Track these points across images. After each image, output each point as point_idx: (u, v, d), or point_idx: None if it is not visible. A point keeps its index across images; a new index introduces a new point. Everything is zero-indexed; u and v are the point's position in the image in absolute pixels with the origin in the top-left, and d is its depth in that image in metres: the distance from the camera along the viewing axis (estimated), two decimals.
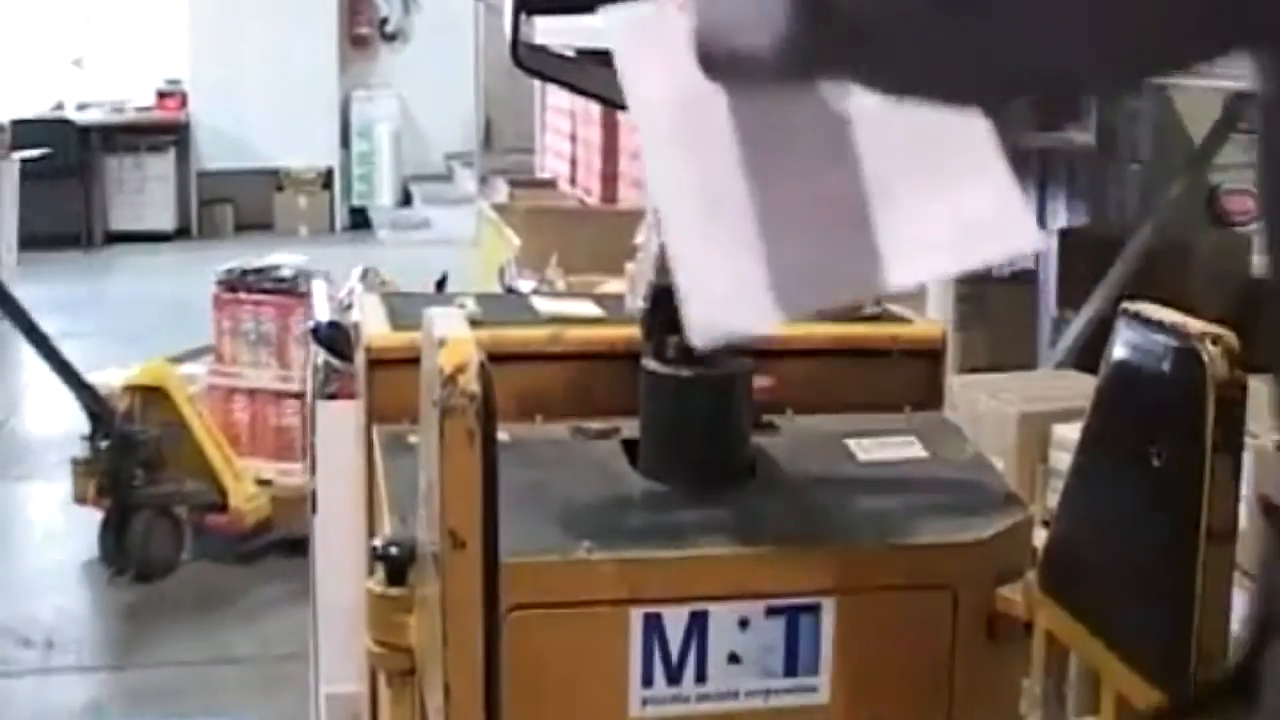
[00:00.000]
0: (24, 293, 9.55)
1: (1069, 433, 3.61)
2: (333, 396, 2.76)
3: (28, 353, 8.53)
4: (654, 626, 1.71)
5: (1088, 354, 4.44)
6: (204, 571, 5.10)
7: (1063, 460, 3.60)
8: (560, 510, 1.80)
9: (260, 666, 4.43)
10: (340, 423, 2.48)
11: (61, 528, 5.73)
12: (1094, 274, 4.64)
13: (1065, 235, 5.45)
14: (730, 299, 1.43)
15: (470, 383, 1.51)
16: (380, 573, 1.73)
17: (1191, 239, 4.80)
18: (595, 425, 1.95)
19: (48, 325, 9.06)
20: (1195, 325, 1.64)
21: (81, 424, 6.91)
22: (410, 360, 1.75)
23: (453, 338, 1.55)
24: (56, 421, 7.16)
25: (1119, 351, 1.81)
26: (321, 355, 2.88)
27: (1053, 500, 3.62)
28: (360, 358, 2.10)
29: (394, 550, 1.72)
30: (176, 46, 12.34)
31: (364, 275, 3.16)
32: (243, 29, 12.12)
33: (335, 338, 2.85)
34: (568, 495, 1.84)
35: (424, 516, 1.65)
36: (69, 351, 8.52)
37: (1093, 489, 1.85)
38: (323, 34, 12.51)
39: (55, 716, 4.12)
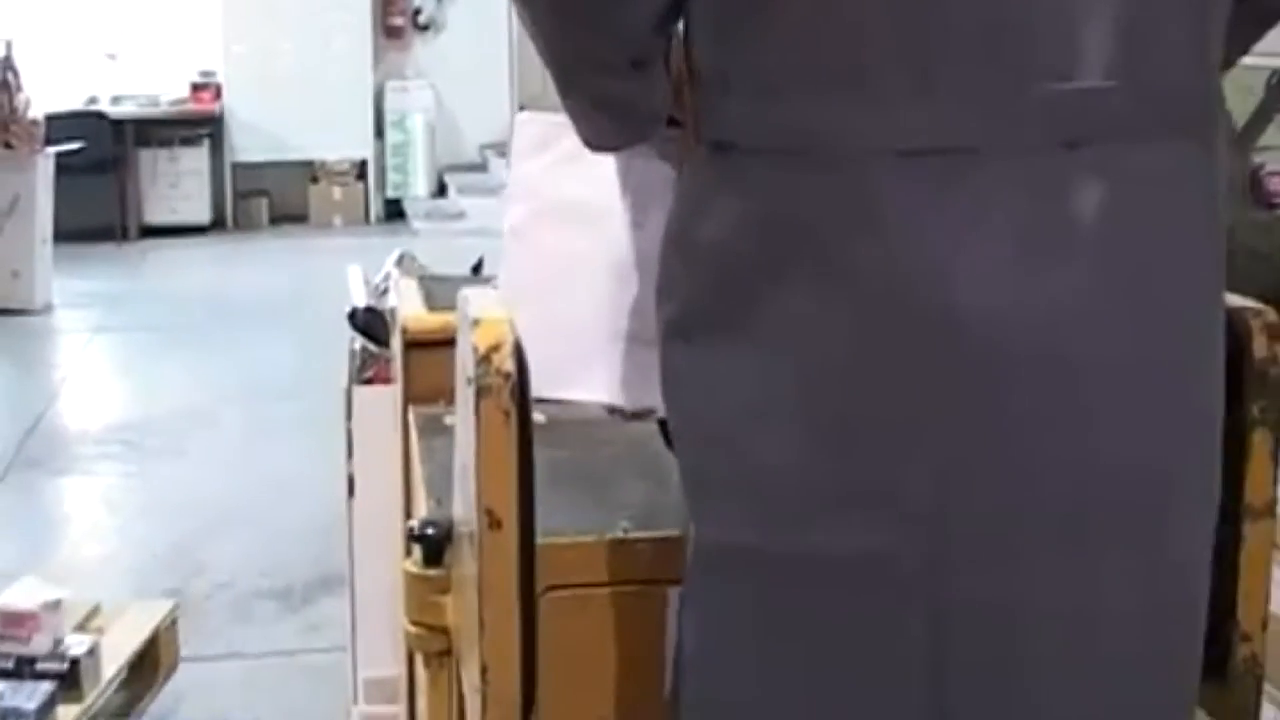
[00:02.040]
0: (59, 286, 9.63)
1: None
2: (369, 381, 2.82)
3: (65, 349, 8.59)
4: None
5: None
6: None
7: None
8: (596, 490, 1.82)
9: (301, 659, 4.41)
10: (376, 407, 2.56)
11: (100, 522, 5.73)
12: None
13: None
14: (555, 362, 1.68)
15: (505, 361, 1.52)
16: (417, 553, 1.75)
17: (1233, 220, 4.73)
18: (631, 406, 1.91)
19: (82, 319, 9.15)
20: (1235, 301, 1.63)
21: (117, 418, 6.96)
22: (446, 342, 1.76)
23: (487, 317, 1.55)
24: (93, 416, 7.17)
25: None
26: (359, 341, 2.92)
27: None
28: (396, 340, 2.13)
29: (430, 531, 1.73)
30: (210, 39, 12.33)
31: (400, 260, 3.10)
32: (276, 21, 12.11)
33: (371, 323, 2.88)
34: (604, 475, 1.85)
35: (460, 497, 1.65)
36: (103, 344, 8.58)
37: None
38: (356, 25, 12.47)
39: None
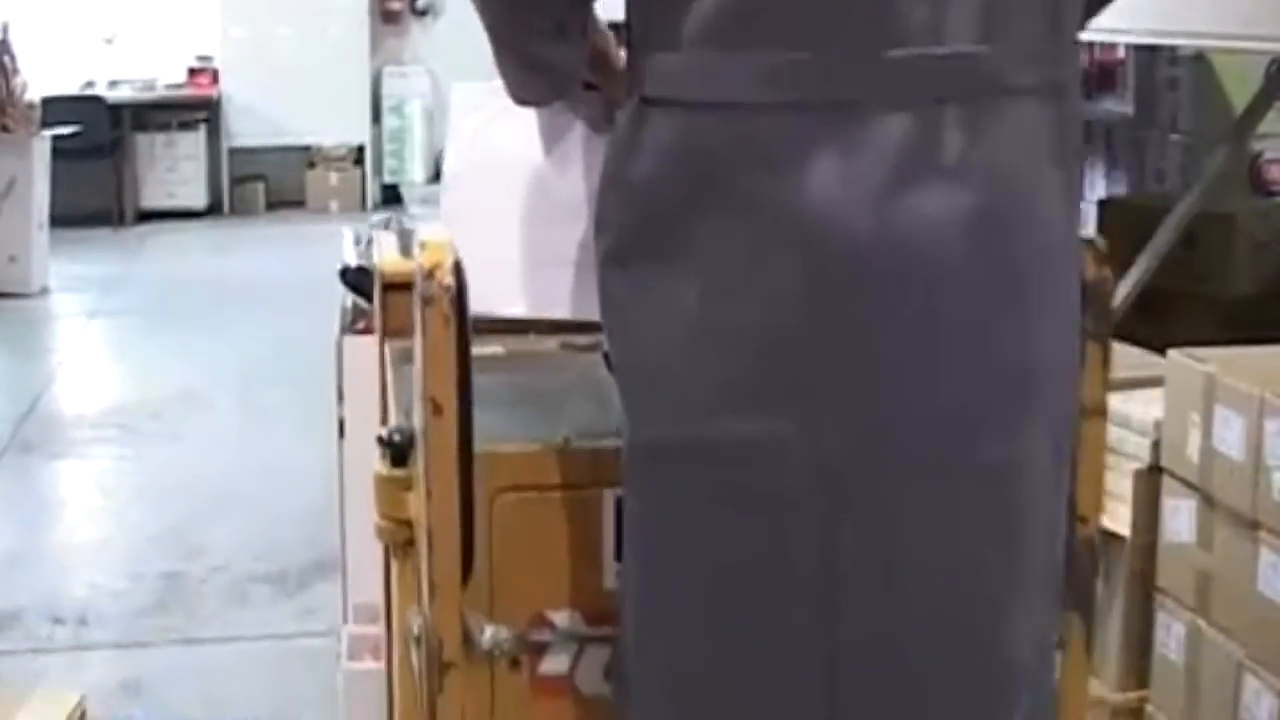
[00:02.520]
0: (55, 270, 9.63)
1: (1112, 402, 3.55)
2: (359, 332, 3.09)
3: (61, 333, 8.59)
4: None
5: (1128, 323, 4.38)
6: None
7: (1110, 432, 3.55)
8: (545, 408, 2.10)
9: (301, 641, 4.41)
10: (365, 355, 2.71)
11: (95, 505, 5.73)
12: (1133, 244, 4.58)
13: (1104, 205, 5.38)
14: (489, 284, 1.96)
15: (445, 276, 1.81)
16: (386, 457, 2.03)
17: (1232, 208, 4.73)
18: (582, 340, 2.24)
19: (78, 303, 9.14)
20: None
21: (113, 401, 6.96)
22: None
23: (431, 242, 1.87)
24: (89, 400, 7.16)
25: None
26: (350, 297, 3.23)
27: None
28: (375, 282, 2.43)
29: (396, 437, 2.01)
30: (207, 23, 12.31)
31: (386, 223, 3.35)
32: (274, 5, 12.11)
33: (360, 280, 3.14)
34: (553, 397, 2.13)
35: (417, 403, 1.90)
36: (100, 328, 8.58)
37: None
38: (354, 10, 12.47)
39: (88, 694, 4.08)
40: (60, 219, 10.14)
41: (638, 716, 1.79)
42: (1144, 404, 3.45)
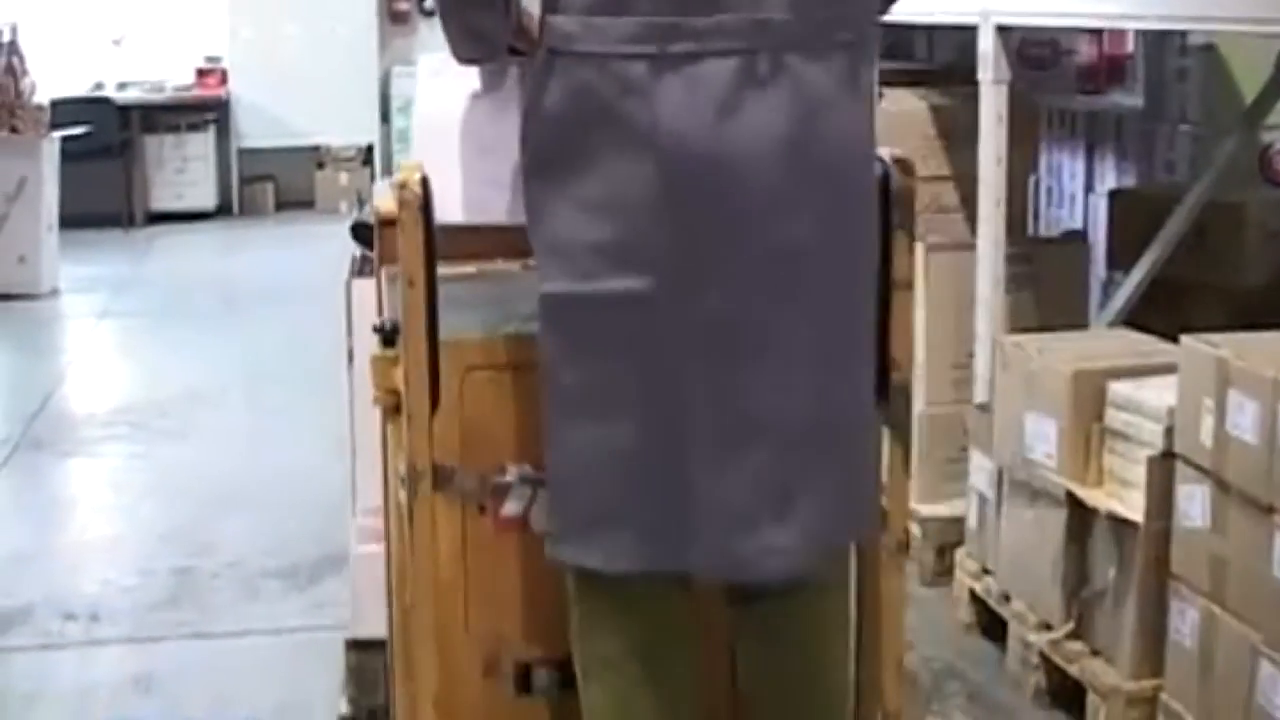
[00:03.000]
0: (65, 272, 9.63)
1: (1125, 389, 3.55)
2: (365, 277, 3.53)
3: (71, 333, 8.59)
4: None
5: (1139, 314, 4.38)
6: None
7: (1118, 419, 3.54)
8: (504, 308, 2.69)
9: (312, 634, 4.41)
10: (370, 295, 3.21)
11: (106, 502, 5.72)
12: (1144, 235, 4.57)
13: (1114, 196, 5.37)
14: (449, 200, 2.64)
15: (415, 185, 2.49)
16: (379, 342, 2.65)
17: (1243, 198, 4.72)
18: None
19: (88, 303, 9.14)
20: (885, 151, 2.57)
21: (123, 400, 6.95)
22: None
23: (405, 166, 2.57)
24: (99, 399, 7.16)
25: None
26: (358, 250, 3.85)
27: (1110, 461, 3.58)
28: (373, 219, 2.98)
29: (387, 326, 2.63)
30: (216, 24, 12.31)
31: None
32: (282, 6, 12.10)
33: (365, 234, 3.58)
34: (511, 301, 2.69)
35: (400, 283, 2.51)
36: (109, 329, 8.57)
37: None
38: (362, 10, 12.44)
39: (99, 689, 4.09)
40: (70, 221, 10.14)
41: (553, 488, 2.51)
42: (1156, 390, 3.45)
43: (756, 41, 2.29)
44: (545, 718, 2.80)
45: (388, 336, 2.63)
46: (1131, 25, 3.57)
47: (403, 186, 2.48)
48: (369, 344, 2.86)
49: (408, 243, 2.48)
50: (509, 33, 2.52)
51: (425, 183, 2.48)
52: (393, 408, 2.65)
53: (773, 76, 2.30)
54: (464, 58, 2.61)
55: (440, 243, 2.51)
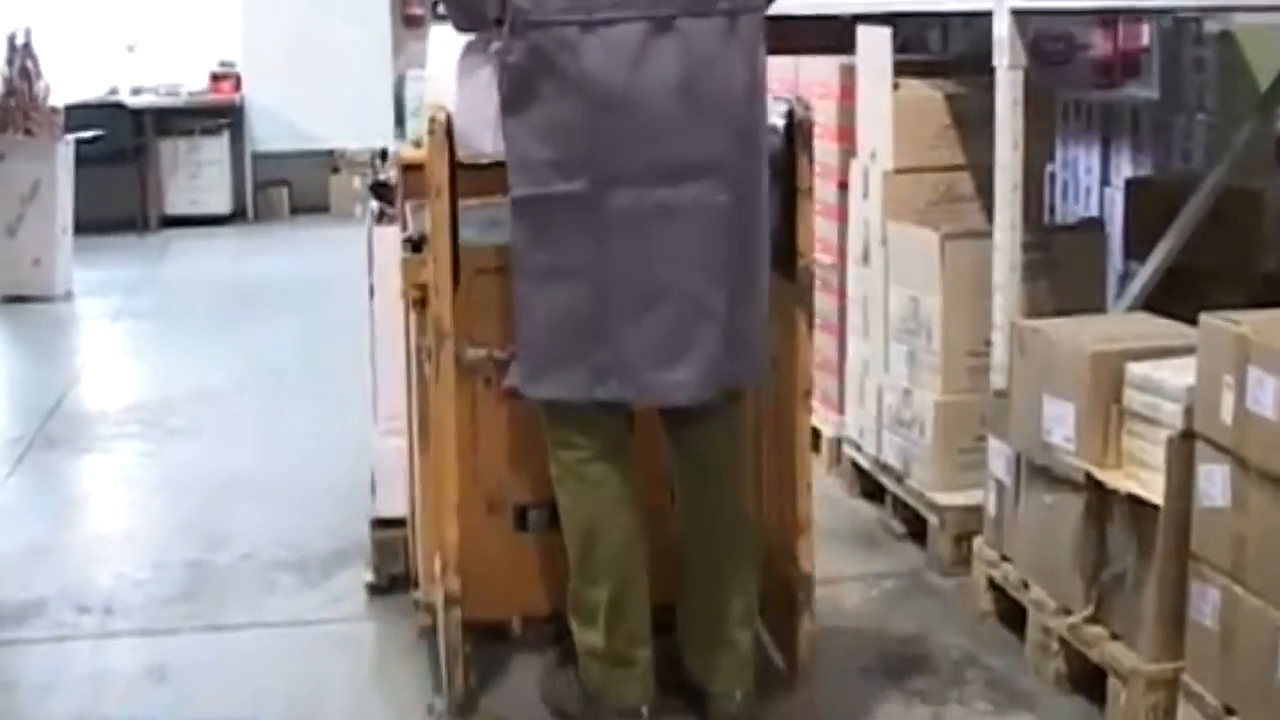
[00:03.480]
0: (80, 276, 9.64)
1: (1144, 370, 3.52)
2: (383, 224, 4.38)
3: (85, 335, 8.60)
4: None
5: (1156, 301, 4.35)
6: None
7: (1137, 400, 3.51)
8: (504, 228, 3.44)
9: (325, 626, 4.40)
10: (386, 240, 4.23)
11: (119, 498, 5.72)
12: (1161, 223, 4.55)
13: (1131, 185, 5.35)
14: (466, 135, 3.54)
15: (441, 118, 3.41)
16: (408, 249, 3.66)
17: (1260, 184, 4.70)
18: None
19: (102, 306, 9.15)
20: (792, 95, 3.84)
21: (137, 399, 6.95)
22: (422, 165, 3.53)
23: (434, 104, 3.51)
24: (113, 398, 7.16)
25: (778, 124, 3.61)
26: (377, 204, 4.53)
27: (1128, 443, 3.55)
28: (395, 169, 4.19)
29: (415, 236, 3.63)
30: (230, 29, 12.32)
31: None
32: (295, 10, 12.10)
33: (384, 191, 4.47)
34: (501, 223, 3.47)
35: (429, 193, 3.46)
36: (123, 330, 8.57)
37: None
38: (376, 14, 12.48)
39: (113, 680, 4.07)
40: (85, 226, 10.16)
41: (523, 342, 3.41)
42: (1175, 371, 3.42)
43: (656, 10, 3.19)
44: (536, 549, 3.75)
45: (415, 245, 3.60)
46: (1146, 4, 3.53)
47: (433, 118, 3.39)
48: (385, 280, 4.13)
49: (437, 161, 3.39)
50: (495, 6, 3.29)
51: (449, 117, 3.44)
52: (418, 300, 3.59)
53: (668, 36, 3.19)
54: (461, 28, 3.62)
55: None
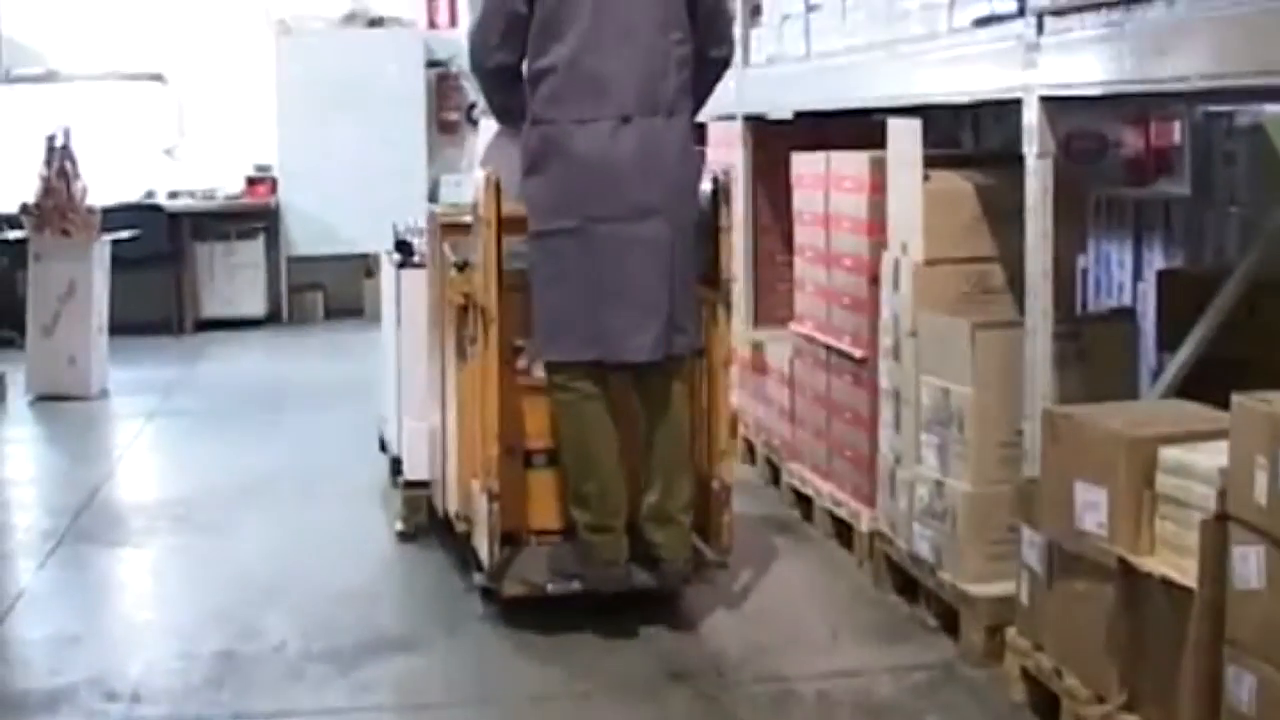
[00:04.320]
0: (114, 375, 9.69)
1: (1176, 454, 3.50)
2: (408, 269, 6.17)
3: (119, 432, 8.63)
4: None
5: (1188, 392, 4.33)
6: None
7: (1169, 484, 3.49)
8: (522, 258, 5.06)
9: (353, 715, 4.38)
10: (415, 280, 5.99)
11: (150, 590, 5.73)
12: (1193, 314, 4.54)
13: (1163, 277, 5.35)
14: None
15: (493, 177, 4.98)
16: (454, 270, 5.16)
17: None
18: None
19: (137, 405, 9.19)
20: (719, 167, 5.46)
21: (169, 496, 6.97)
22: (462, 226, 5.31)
23: (487, 171, 5.05)
24: (145, 493, 7.19)
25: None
26: (398, 256, 6.38)
27: (1161, 527, 3.53)
28: (433, 224, 5.68)
29: (461, 261, 5.13)
30: (266, 133, 12.44)
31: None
32: (331, 115, 12.20)
33: (406, 247, 6.37)
34: (518, 255, 5.08)
35: (479, 226, 4.99)
36: (157, 429, 8.61)
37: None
38: (411, 120, 12.59)
39: None
40: (120, 327, 10.22)
41: (538, 325, 4.99)
42: (1208, 454, 3.41)
43: (621, 112, 4.85)
44: (537, 481, 5.26)
45: (460, 267, 5.13)
46: (1176, 88, 3.54)
47: (486, 176, 4.94)
48: (410, 313, 6.06)
49: (489, 203, 4.93)
50: (522, 109, 5.02)
51: (497, 181, 4.96)
52: (463, 306, 5.14)
53: (629, 126, 4.86)
54: (503, 122, 5.22)
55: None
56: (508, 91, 5.04)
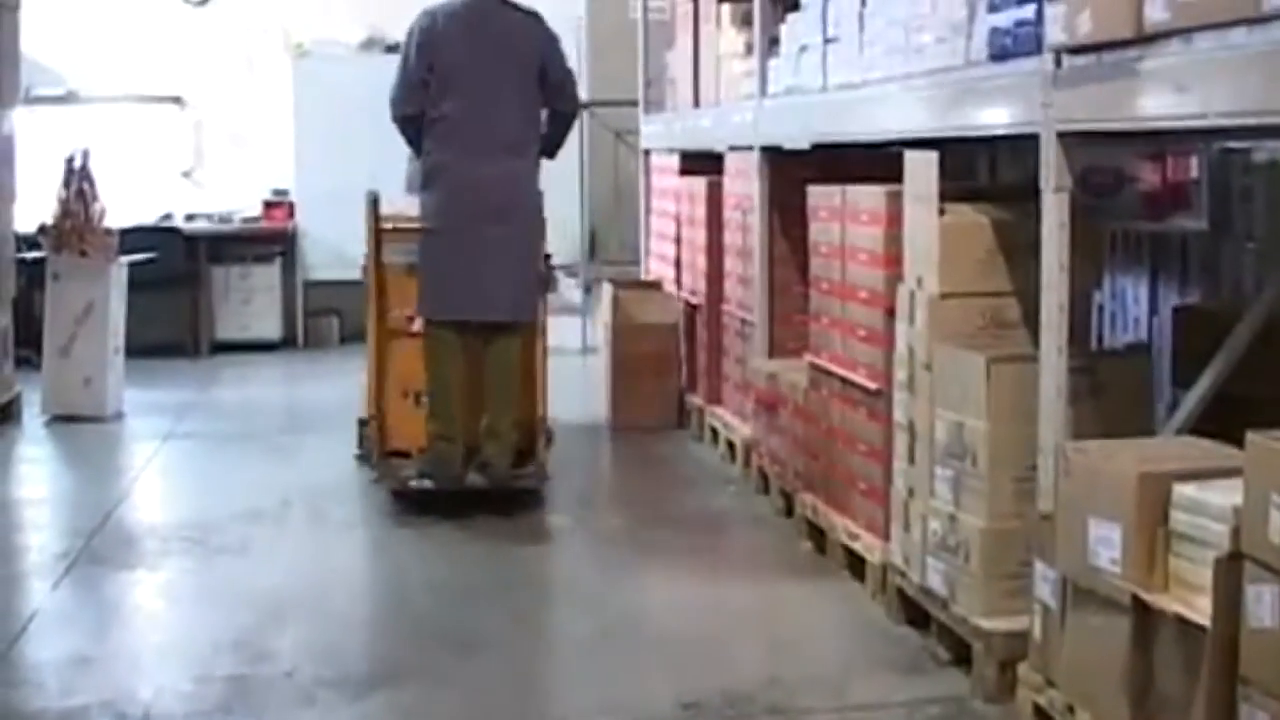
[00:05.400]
0: (130, 396, 9.71)
1: (1190, 491, 3.50)
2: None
3: (134, 454, 8.64)
4: None
5: (1204, 428, 4.32)
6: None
7: (1183, 521, 3.49)
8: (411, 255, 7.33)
9: None
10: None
11: (163, 613, 5.73)
12: (1208, 350, 4.54)
13: (1178, 313, 5.35)
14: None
15: (372, 198, 7.62)
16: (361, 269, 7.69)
17: None
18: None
19: (152, 427, 9.20)
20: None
21: (183, 518, 6.98)
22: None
23: (370, 193, 7.69)
24: (159, 515, 7.20)
25: None
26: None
27: (1175, 564, 3.52)
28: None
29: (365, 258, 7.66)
30: (283, 157, 12.48)
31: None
32: (348, 140, 12.20)
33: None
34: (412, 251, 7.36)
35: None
36: (172, 450, 8.62)
37: None
38: None
39: None
40: (136, 350, 10.24)
41: (420, 291, 7.09)
42: (1222, 491, 3.40)
43: (487, 152, 6.84)
44: (421, 415, 7.10)
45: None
46: (1193, 125, 3.55)
47: (368, 195, 7.39)
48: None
49: (370, 217, 7.41)
50: (419, 147, 7.13)
51: (376, 198, 7.40)
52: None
53: (486, 159, 6.82)
54: (413, 150, 7.25)
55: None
56: (414, 132, 7.10)
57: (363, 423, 7.63)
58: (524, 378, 7.11)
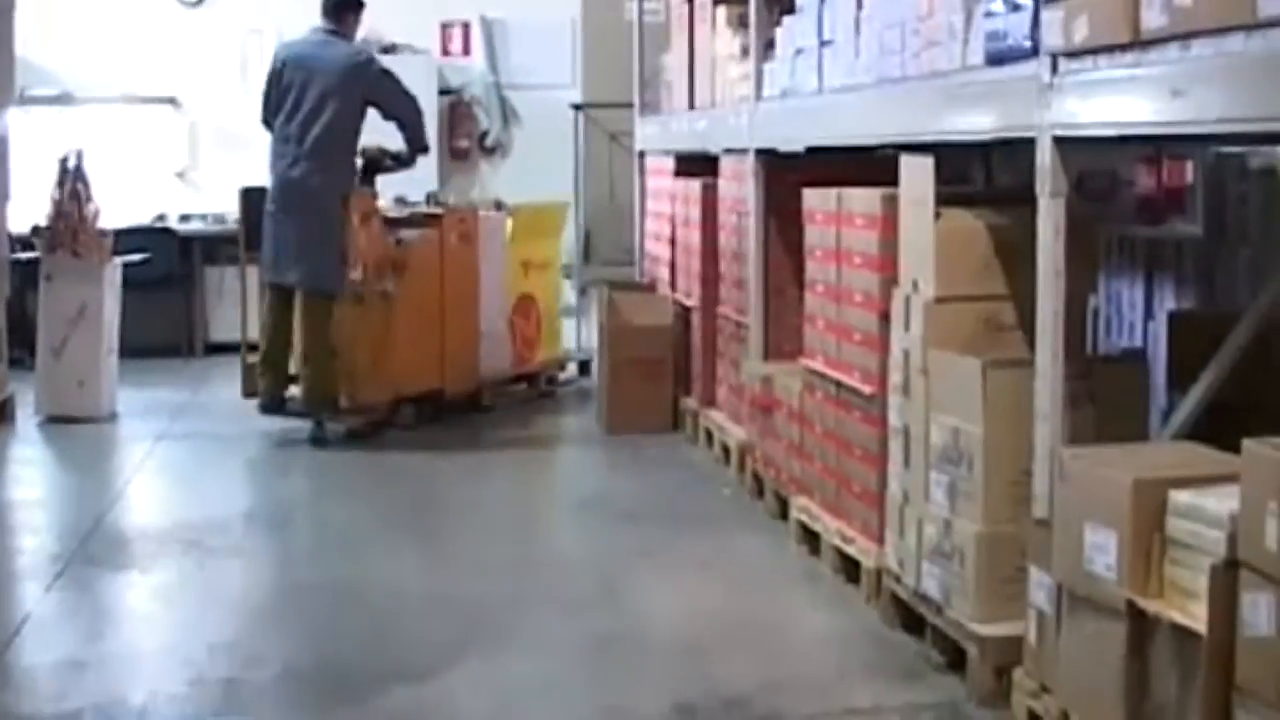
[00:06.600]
0: (124, 397, 9.70)
1: (1186, 498, 3.49)
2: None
3: (128, 455, 8.63)
4: None
5: (1199, 434, 4.32)
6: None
7: (1179, 527, 3.49)
8: None
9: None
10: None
11: (156, 615, 5.72)
12: (1203, 356, 4.54)
13: (1174, 318, 5.34)
14: None
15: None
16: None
17: None
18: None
19: (146, 427, 9.20)
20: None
21: (177, 519, 6.97)
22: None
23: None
24: (153, 517, 7.19)
25: None
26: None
27: (1171, 571, 3.52)
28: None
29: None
30: None
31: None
32: None
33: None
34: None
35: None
36: (166, 451, 8.62)
37: None
38: None
39: None
40: (130, 350, 10.24)
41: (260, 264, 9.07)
42: (1218, 498, 3.40)
43: (298, 157, 8.64)
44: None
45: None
46: (1190, 130, 3.55)
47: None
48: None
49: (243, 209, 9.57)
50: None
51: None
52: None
53: (296, 167, 8.65)
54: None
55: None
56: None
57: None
58: (341, 336, 8.73)
